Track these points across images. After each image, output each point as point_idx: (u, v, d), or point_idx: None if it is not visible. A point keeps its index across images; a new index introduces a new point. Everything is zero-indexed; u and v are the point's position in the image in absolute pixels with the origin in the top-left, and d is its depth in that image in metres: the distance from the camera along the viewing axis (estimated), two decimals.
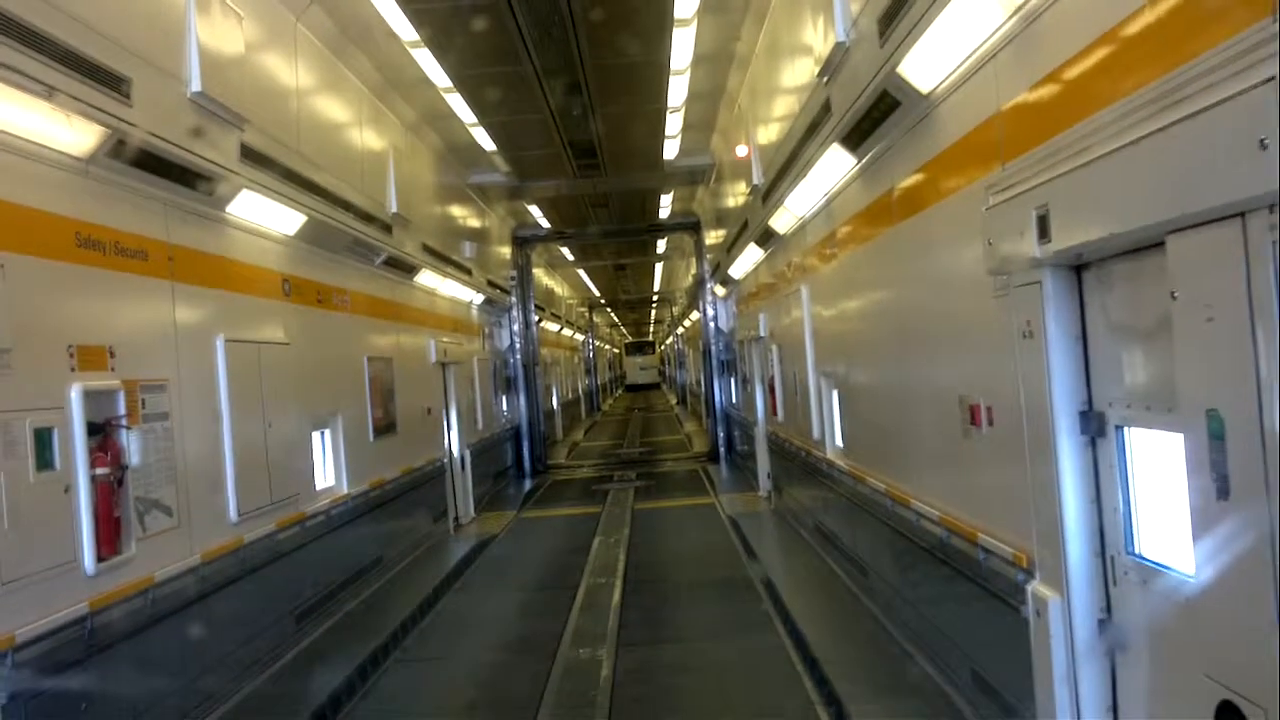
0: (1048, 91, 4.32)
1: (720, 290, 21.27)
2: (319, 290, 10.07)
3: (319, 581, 9.29)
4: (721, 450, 22.91)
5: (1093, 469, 4.41)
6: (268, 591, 8.10)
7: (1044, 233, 4.25)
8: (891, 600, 7.85)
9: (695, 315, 31.10)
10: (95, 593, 5.68)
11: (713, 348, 22.98)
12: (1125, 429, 4.20)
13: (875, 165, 7.35)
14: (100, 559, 5.73)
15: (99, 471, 5.78)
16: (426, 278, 14.38)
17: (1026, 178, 4.40)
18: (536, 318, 26.08)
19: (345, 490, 10.35)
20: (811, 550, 11.02)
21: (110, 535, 5.87)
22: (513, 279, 22.83)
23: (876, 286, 7.72)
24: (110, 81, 6.02)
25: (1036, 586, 4.71)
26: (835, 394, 10.05)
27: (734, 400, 21.65)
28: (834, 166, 8.24)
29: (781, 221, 11.37)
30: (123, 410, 6.07)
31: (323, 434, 10.21)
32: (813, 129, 8.49)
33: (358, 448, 10.88)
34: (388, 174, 12.38)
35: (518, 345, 22.99)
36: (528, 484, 21.36)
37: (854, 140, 7.38)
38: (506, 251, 22.73)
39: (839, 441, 10.00)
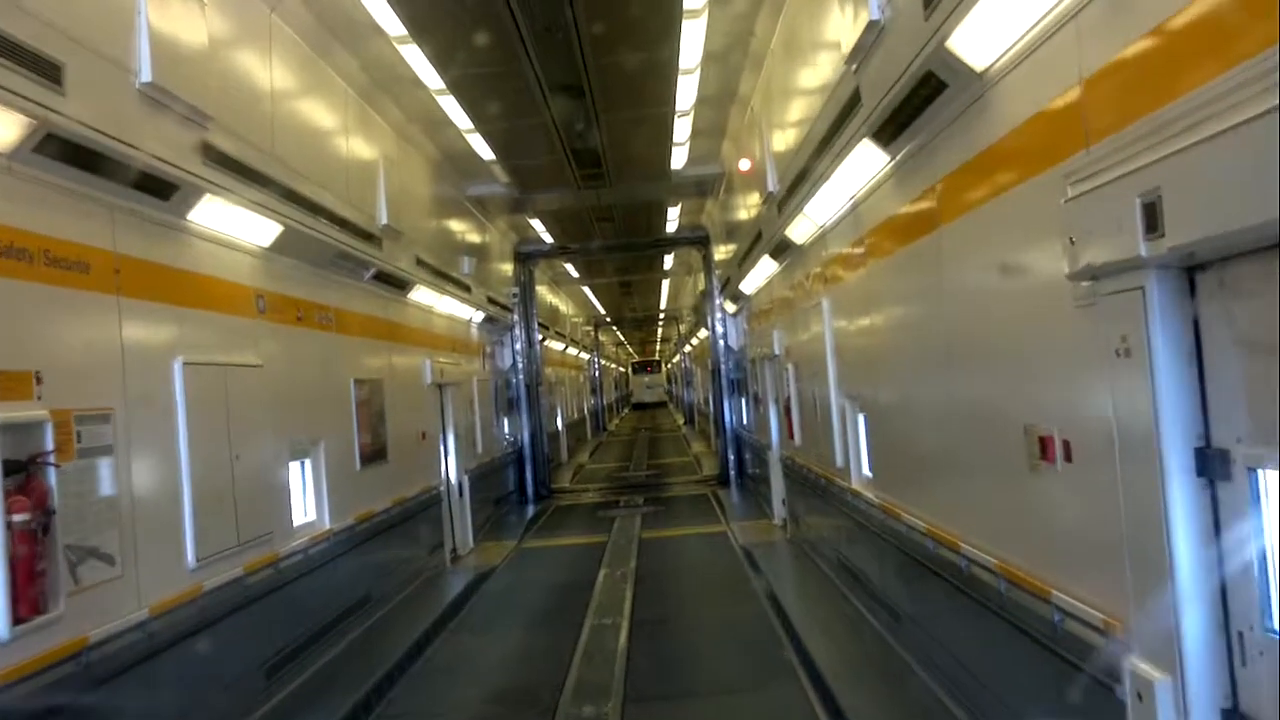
0: (1157, 46, 3.48)
1: (730, 306, 20.43)
2: (299, 307, 9.25)
3: (296, 628, 8.43)
4: (732, 474, 22.01)
5: (1212, 520, 3.56)
6: (233, 644, 7.23)
7: (1152, 225, 3.42)
8: (931, 653, 6.97)
9: (703, 333, 30.27)
10: (7, 664, 4.82)
11: (722, 366, 22.13)
12: (1260, 471, 3.34)
13: (913, 161, 6.52)
14: (17, 621, 4.89)
15: (17, 518, 4.94)
16: (421, 294, 13.57)
17: (1126, 158, 3.56)
18: (540, 336, 25.27)
19: (328, 525, 9.51)
20: (834, 587, 10.13)
21: (31, 592, 5.02)
22: (515, 296, 22.02)
23: (914, 298, 6.88)
24: (39, 66, 5.21)
25: (1137, 663, 3.84)
26: (862, 418, 9.19)
27: (745, 421, 20.79)
28: (863, 165, 7.42)
29: (800, 231, 10.54)
30: (50, 445, 5.24)
31: (302, 464, 9.38)
32: (838, 125, 7.67)
33: (342, 478, 10.05)
34: (377, 183, 11.59)
35: (520, 365, 22.16)
36: (530, 510, 20.48)
37: (888, 134, 6.55)
38: (508, 268, 21.94)
39: (866, 471, 9.14)
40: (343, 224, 10.03)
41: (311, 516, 9.35)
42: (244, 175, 7.59)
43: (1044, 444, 4.68)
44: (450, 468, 15.13)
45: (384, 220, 11.55)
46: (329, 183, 9.76)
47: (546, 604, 11.77)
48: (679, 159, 15.13)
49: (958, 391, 6.02)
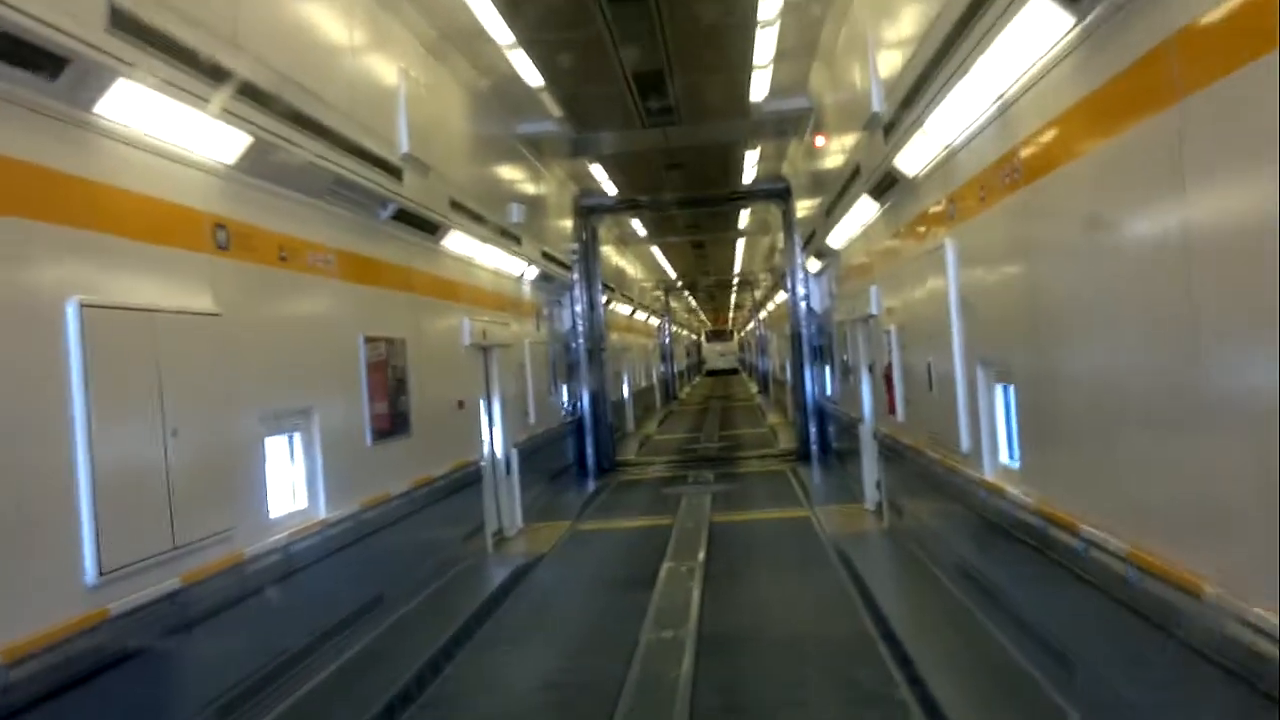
0: None
1: (814, 265, 18.23)
2: (282, 245, 7.39)
3: (267, 652, 6.62)
4: (813, 449, 19.88)
5: None
6: (161, 685, 5.44)
7: None
8: None
9: (781, 297, 28.05)
10: None
11: (803, 331, 19.95)
12: None
13: (1121, 14, 4.36)
14: None
15: None
16: (457, 242, 11.66)
17: None
18: (604, 298, 23.33)
19: (322, 515, 7.69)
20: (956, 603, 8.02)
21: None
22: (575, 253, 20.08)
23: (1124, 221, 4.70)
24: None
25: None
26: (1004, 392, 7.06)
27: (828, 392, 18.63)
28: (1029, 38, 5.26)
29: (913, 158, 8.37)
30: None
31: (290, 439, 7.57)
32: None
33: (345, 456, 8.22)
34: (396, 103, 9.66)
35: (580, 328, 20.24)
36: (590, 485, 18.65)
37: None
38: (567, 223, 20.00)
39: (1007, 459, 7.01)
40: (344, 145, 8.13)
41: (300, 504, 7.54)
42: (181, 58, 5.68)
43: None
44: (496, 440, 13.31)
45: (405, 148, 9.63)
46: (323, 91, 7.83)
47: (596, 608, 9.83)
48: (759, 88, 12.93)
49: (1225, 362, 3.85)
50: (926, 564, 9.38)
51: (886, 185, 9.68)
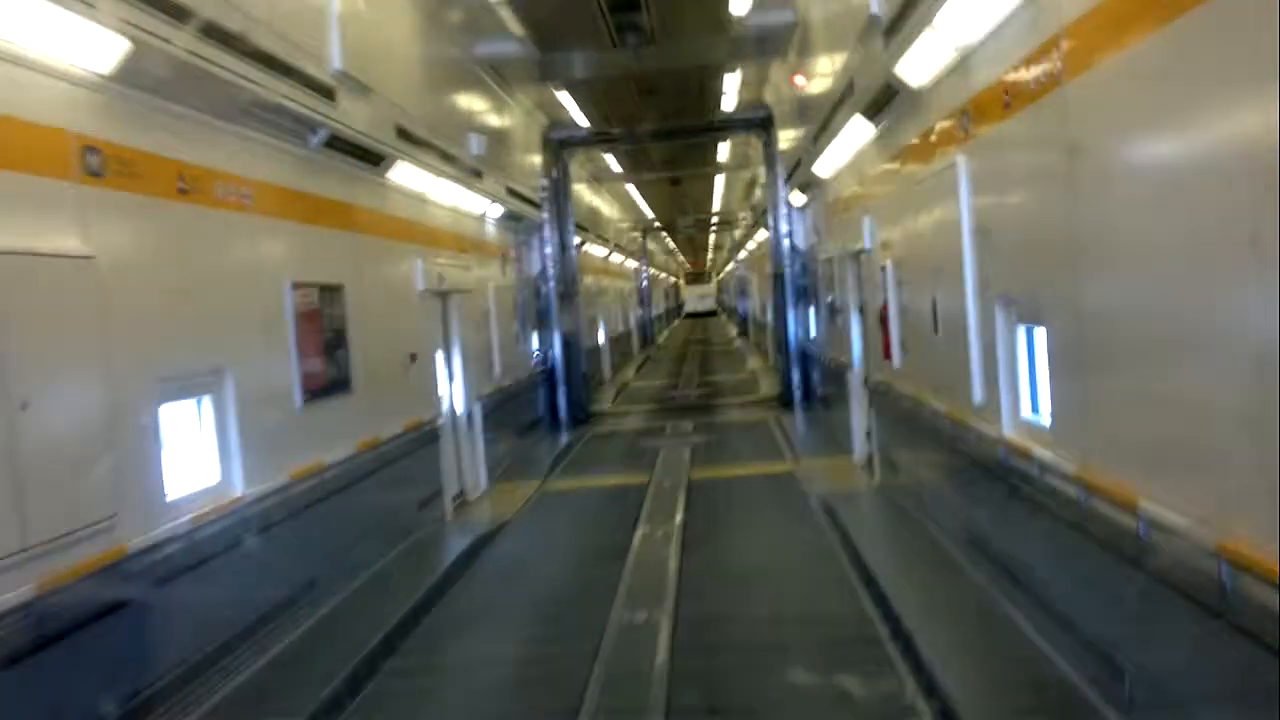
0: None
1: (798, 198, 17.12)
2: (182, 174, 6.24)
3: (154, 668, 5.56)
4: (796, 395, 18.93)
5: None
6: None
7: None
8: None
9: (762, 235, 26.97)
10: None
11: (787, 271, 18.87)
12: None
13: None
14: None
15: None
16: (407, 175, 10.48)
17: None
18: (578, 239, 22.15)
19: (238, 491, 6.63)
20: (971, 583, 7.06)
21: None
22: (545, 190, 18.86)
23: (1202, 120, 3.64)
24: None
25: None
26: (1031, 336, 6.04)
27: (813, 335, 17.64)
28: None
29: (919, 64, 7.26)
30: None
31: (199, 403, 6.48)
32: None
33: (270, 421, 7.15)
34: (328, 14, 8.43)
35: (551, 271, 19.09)
36: (563, 438, 17.66)
37: None
38: (536, 159, 18.74)
39: (1034, 415, 6.01)
40: (260, 58, 6.93)
41: (210, 480, 6.46)
42: None
43: None
44: (456, 395, 12.25)
45: (337, 65, 8.42)
46: None
47: (561, 583, 8.82)
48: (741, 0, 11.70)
49: None
50: (929, 529, 8.43)
51: (885, 101, 8.56)
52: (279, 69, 7.21)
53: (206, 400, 6.50)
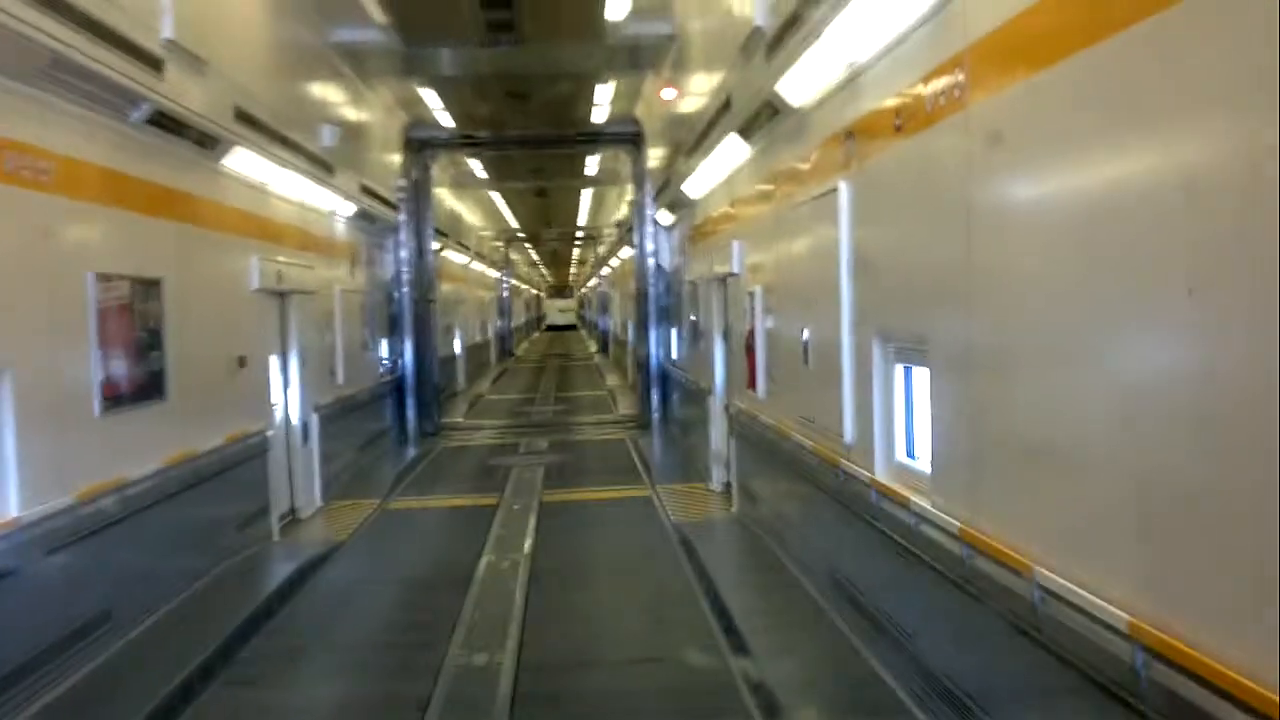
0: None
1: (666, 217, 16.75)
2: None
3: None
4: (654, 416, 18.57)
5: None
6: None
7: None
8: None
9: (626, 252, 26.61)
10: None
11: (650, 290, 18.48)
12: None
13: None
14: None
15: None
16: (245, 162, 9.54)
17: None
18: (437, 245, 21.27)
19: (12, 513, 5.67)
20: (831, 626, 6.68)
21: None
22: (403, 191, 17.96)
23: (1130, 145, 3.28)
24: None
25: None
26: (909, 375, 5.69)
27: (673, 356, 17.28)
28: None
29: (802, 80, 6.88)
30: None
31: None
32: None
33: (58, 431, 6.20)
34: None
35: (405, 276, 18.17)
36: (411, 452, 16.78)
37: None
38: (395, 158, 17.83)
39: (916, 462, 5.65)
40: (66, 12, 6.02)
41: None
42: None
43: None
44: (292, 403, 11.31)
45: (168, 34, 7.52)
46: None
47: (394, 620, 8.00)
48: (617, 4, 11.21)
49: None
50: (788, 566, 8.05)
51: (763, 120, 8.19)
52: (94, 29, 6.31)
53: None
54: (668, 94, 14.18)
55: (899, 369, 5.82)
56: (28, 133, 5.98)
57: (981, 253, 4.38)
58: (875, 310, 5.97)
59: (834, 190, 6.45)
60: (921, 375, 5.47)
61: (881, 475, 5.89)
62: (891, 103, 5.41)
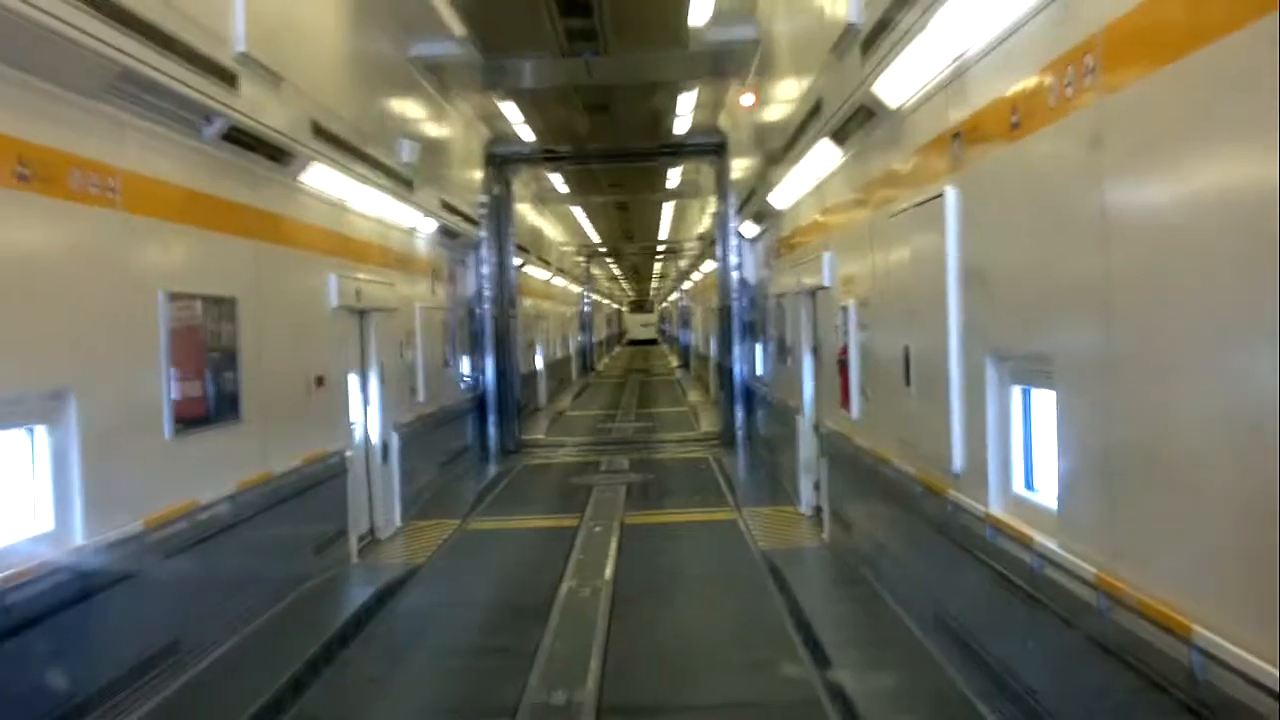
0: None
1: (750, 229, 16.29)
2: (21, 156, 5.12)
3: None
4: (739, 435, 18.08)
5: None
6: None
7: None
8: None
9: (708, 266, 26.16)
10: None
11: (734, 304, 18.02)
12: None
13: None
14: None
15: None
16: (322, 178, 9.38)
17: None
18: (518, 261, 21.14)
19: (77, 541, 5.47)
20: (935, 670, 6.14)
21: None
22: (484, 207, 17.82)
23: None
24: None
25: None
26: (1027, 398, 5.16)
27: (758, 372, 16.78)
28: None
29: (903, 78, 6.39)
30: None
31: (31, 436, 5.33)
32: None
33: (127, 454, 6.01)
34: None
35: (487, 292, 18.01)
36: (491, 470, 16.57)
37: None
38: (476, 174, 17.70)
39: (1031, 492, 5.11)
40: (134, 25, 5.84)
41: (40, 527, 5.30)
42: None
43: None
44: (372, 422, 11.14)
45: (241, 46, 7.35)
46: None
47: (467, 652, 7.63)
48: (700, 9, 10.82)
49: None
50: (887, 601, 7.51)
51: (857, 123, 7.70)
52: (160, 40, 6.13)
53: (41, 432, 5.35)
54: (746, 100, 13.79)
55: (1016, 390, 5.28)
56: (93, 149, 5.80)
57: (1124, 263, 3.85)
58: (989, 326, 5.44)
59: (939, 196, 5.95)
60: (1043, 398, 4.94)
61: (997, 509, 5.35)
62: (1006, 99, 4.90)
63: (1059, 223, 4.40)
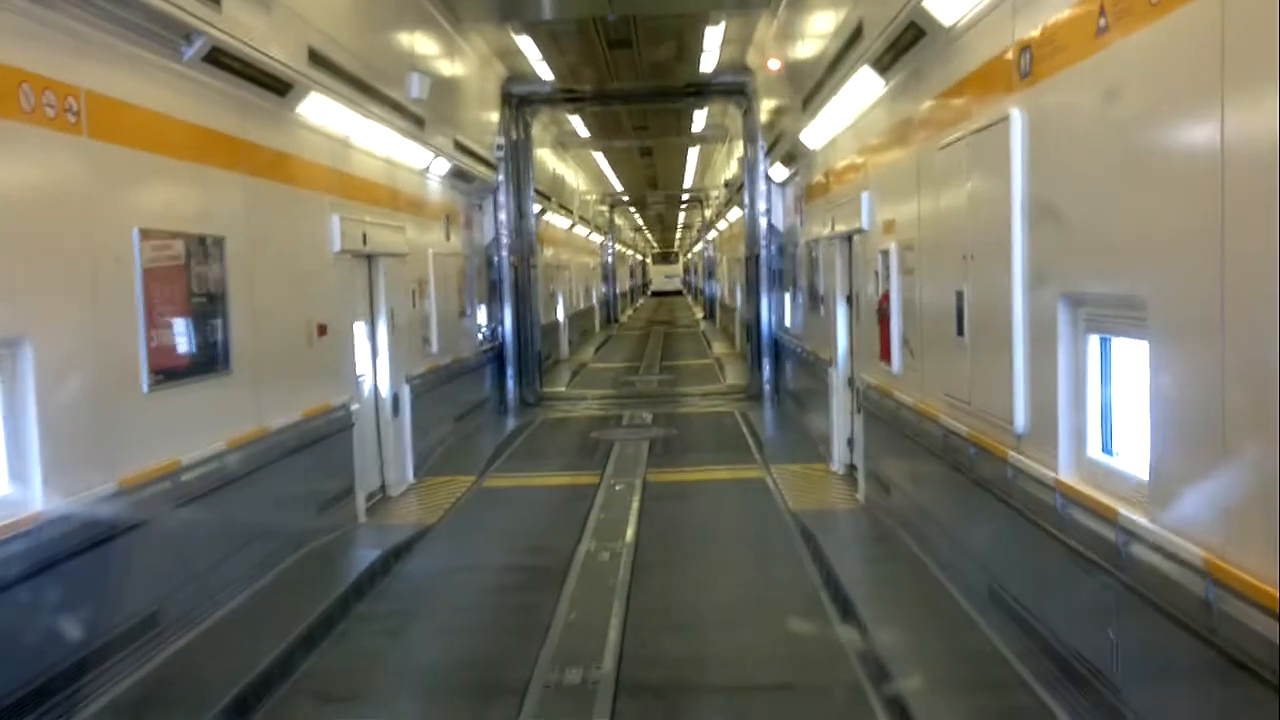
0: None
1: (780, 173, 15.51)
2: None
3: None
4: (767, 388, 17.43)
5: None
6: None
7: None
8: None
9: (735, 214, 25.34)
10: None
11: (763, 252, 17.27)
12: None
13: None
14: None
15: None
16: (322, 110, 8.70)
17: None
18: (538, 207, 20.43)
19: (37, 506, 4.91)
20: (987, 650, 5.53)
21: None
22: (502, 150, 17.09)
23: None
24: None
25: None
26: (1106, 348, 4.48)
27: (787, 324, 16.08)
28: None
29: None
30: None
31: None
32: None
33: (96, 410, 5.45)
34: None
35: (505, 239, 17.33)
36: (510, 423, 16.01)
37: None
38: (493, 115, 16.94)
39: (1107, 456, 4.45)
40: None
41: None
42: None
43: None
44: (381, 374, 10.57)
45: None
46: None
47: (479, 622, 7.10)
48: None
49: None
50: (932, 570, 6.89)
51: (904, 46, 6.94)
52: None
53: None
54: (774, 64, 13.20)
55: (1093, 340, 4.60)
56: (49, 66, 5.15)
57: (1247, 188, 3.15)
58: (1062, 268, 4.74)
59: (1003, 120, 5.23)
60: (1129, 349, 4.26)
61: (1068, 475, 4.70)
62: None
63: (1162, 143, 3.69)
